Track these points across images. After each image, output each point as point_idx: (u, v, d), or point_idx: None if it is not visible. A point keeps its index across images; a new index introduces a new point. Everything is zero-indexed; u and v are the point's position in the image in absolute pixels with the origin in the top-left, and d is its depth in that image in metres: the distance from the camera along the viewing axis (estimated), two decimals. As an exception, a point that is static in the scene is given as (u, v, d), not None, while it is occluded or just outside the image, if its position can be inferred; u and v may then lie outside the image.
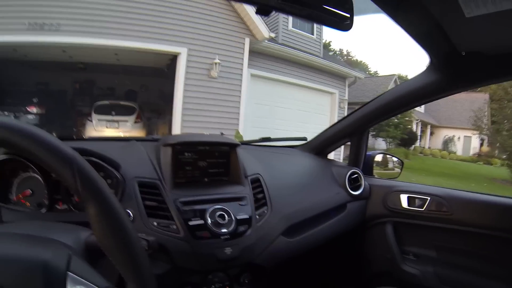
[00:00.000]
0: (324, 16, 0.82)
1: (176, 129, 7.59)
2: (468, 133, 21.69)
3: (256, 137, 1.84)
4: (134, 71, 10.77)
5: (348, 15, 0.80)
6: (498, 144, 15.76)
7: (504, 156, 14.57)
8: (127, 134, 8.72)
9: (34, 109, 9.42)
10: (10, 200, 0.99)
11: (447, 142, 24.36)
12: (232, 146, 1.27)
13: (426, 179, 10.45)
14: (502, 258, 1.42)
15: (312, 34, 10.80)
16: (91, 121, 8.98)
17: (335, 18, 0.81)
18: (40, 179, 0.98)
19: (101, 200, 0.53)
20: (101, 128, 8.81)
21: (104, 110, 9.20)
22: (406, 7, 0.88)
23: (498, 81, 1.36)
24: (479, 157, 21.42)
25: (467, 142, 23.82)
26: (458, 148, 24.05)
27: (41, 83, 11.07)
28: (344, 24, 0.82)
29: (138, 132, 9.14)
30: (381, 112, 1.67)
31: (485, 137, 20.39)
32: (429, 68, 1.33)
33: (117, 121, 9.01)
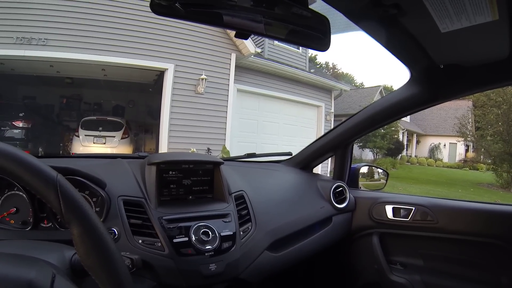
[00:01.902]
0: (302, 38, 0.85)
1: (163, 145, 7.55)
2: (453, 140, 21.91)
3: (243, 152, 1.86)
4: (121, 86, 10.70)
5: (325, 37, 0.83)
6: (483, 150, 16.01)
7: (489, 161, 14.80)
8: (114, 150, 8.67)
9: (20, 124, 9.29)
10: None
11: (433, 149, 24.59)
12: (216, 164, 1.29)
13: (414, 187, 10.55)
14: (487, 263, 1.46)
15: (298, 48, 10.87)
16: (78, 136, 8.86)
17: (312, 40, 0.84)
18: (25, 197, 0.98)
19: (84, 221, 0.55)
20: (88, 143, 8.69)
21: (91, 126, 9.11)
22: (384, 25, 0.91)
23: (476, 91, 1.41)
24: (465, 163, 21.62)
25: (453, 149, 24.07)
26: (444, 155, 24.28)
27: (27, 97, 10.89)
28: (321, 45, 0.85)
29: (125, 148, 9.05)
30: (364, 126, 1.70)
31: (470, 143, 20.63)
32: (410, 81, 1.37)
33: (104, 137, 8.92)
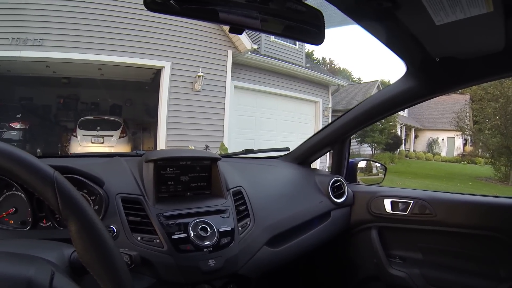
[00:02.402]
0: (296, 33, 0.85)
1: (161, 143, 7.56)
2: (451, 134, 21.95)
3: (242, 149, 1.86)
4: (118, 85, 10.66)
5: (320, 31, 0.83)
6: (481, 143, 16.02)
7: (487, 155, 14.82)
8: (112, 149, 8.68)
9: (17, 125, 9.26)
10: None
11: (431, 144, 24.61)
12: (213, 160, 1.29)
13: (413, 182, 10.56)
14: (485, 256, 1.47)
15: (295, 44, 10.88)
16: (76, 136, 8.87)
17: (306, 34, 0.84)
18: (24, 196, 0.98)
19: (82, 217, 0.54)
20: (86, 143, 8.70)
21: (88, 125, 9.11)
22: (379, 19, 0.91)
23: (473, 84, 1.40)
24: (463, 157, 21.64)
25: (451, 143, 24.10)
26: (443, 149, 24.30)
27: (24, 99, 10.88)
28: (316, 39, 0.85)
29: (123, 147, 9.05)
30: (361, 120, 1.70)
31: (468, 137, 20.65)
32: (406, 74, 1.36)
33: (102, 136, 8.92)
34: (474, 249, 1.50)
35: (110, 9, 7.10)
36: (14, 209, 0.98)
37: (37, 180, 0.53)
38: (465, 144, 23.95)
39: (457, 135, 20.05)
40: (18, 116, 9.47)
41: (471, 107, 18.59)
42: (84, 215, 0.55)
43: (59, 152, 10.68)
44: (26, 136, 9.46)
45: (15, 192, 1.00)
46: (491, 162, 13.43)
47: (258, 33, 9.29)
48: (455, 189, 9.88)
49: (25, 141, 9.33)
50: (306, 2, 0.78)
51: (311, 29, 0.82)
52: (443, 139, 24.55)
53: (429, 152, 23.25)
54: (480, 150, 18.55)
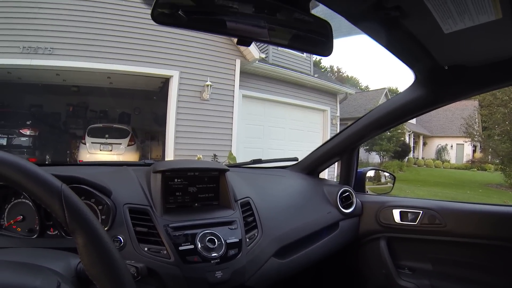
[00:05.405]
0: (304, 44, 0.85)
1: (169, 152, 7.59)
2: (460, 141, 21.77)
3: (250, 158, 1.86)
4: (127, 94, 10.76)
5: (328, 42, 0.83)
6: (490, 150, 15.78)
7: (497, 161, 14.62)
8: (121, 157, 8.73)
9: (27, 132, 9.33)
10: (1, 225, 0.99)
11: (440, 151, 24.45)
12: (221, 171, 1.29)
13: (422, 190, 10.46)
14: (496, 266, 1.44)
15: (302, 53, 10.83)
16: (85, 144, 8.94)
17: (315, 45, 0.84)
18: (31, 204, 0.99)
19: (89, 231, 0.55)
20: (94, 151, 8.75)
21: (97, 133, 9.18)
22: (387, 28, 0.91)
23: (482, 92, 1.38)
24: (472, 163, 21.42)
25: (460, 150, 23.91)
26: (452, 156, 24.11)
27: (34, 106, 11.01)
28: (324, 50, 0.85)
29: (132, 155, 9.10)
30: (370, 130, 1.69)
31: (478, 144, 20.43)
32: (414, 83, 1.35)
33: (111, 144, 8.98)
34: (485, 259, 1.47)
35: (119, 19, 7.19)
36: (21, 217, 0.99)
37: (44, 193, 0.54)
38: (474, 151, 23.69)
39: (466, 142, 19.84)
40: (28, 123, 9.55)
41: (480, 113, 18.38)
42: (91, 229, 0.55)
43: (68, 159, 10.78)
44: (36, 143, 9.54)
45: (23, 200, 1.01)
46: (501, 168, 13.25)
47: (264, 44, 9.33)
48: (465, 197, 9.78)
49: (34, 148, 9.41)
50: (313, 13, 0.78)
51: (319, 40, 0.81)
52: (452, 146, 24.37)
53: (438, 160, 23.09)
54: (489, 157, 18.32)
